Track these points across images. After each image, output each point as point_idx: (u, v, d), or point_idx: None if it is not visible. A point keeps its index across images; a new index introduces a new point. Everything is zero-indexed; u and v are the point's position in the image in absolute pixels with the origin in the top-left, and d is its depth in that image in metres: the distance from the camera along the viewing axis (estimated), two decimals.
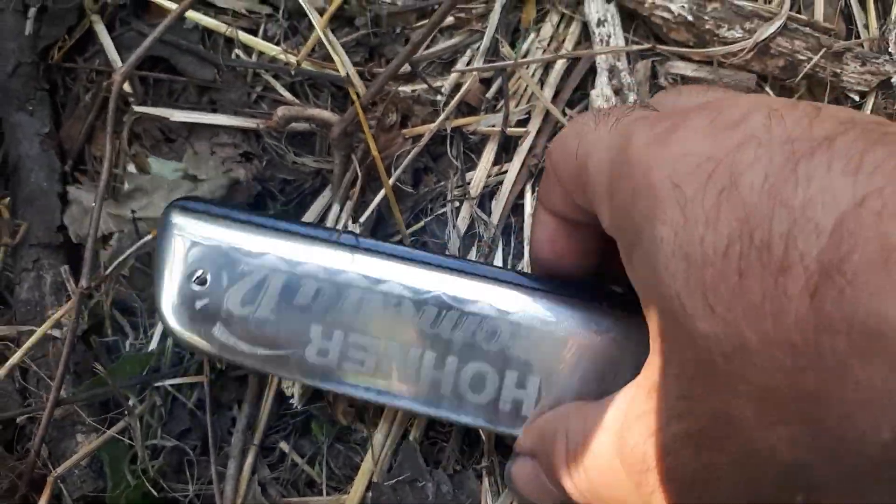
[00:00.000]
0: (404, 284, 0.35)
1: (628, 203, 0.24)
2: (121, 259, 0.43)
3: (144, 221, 0.45)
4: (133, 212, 0.45)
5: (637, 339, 0.31)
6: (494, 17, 0.47)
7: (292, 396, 0.42)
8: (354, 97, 0.41)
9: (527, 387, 0.34)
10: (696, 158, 0.22)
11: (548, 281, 0.35)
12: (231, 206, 0.37)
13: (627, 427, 0.25)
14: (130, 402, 0.42)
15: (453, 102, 0.45)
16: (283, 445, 0.43)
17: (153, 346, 0.43)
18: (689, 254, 0.21)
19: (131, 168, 0.47)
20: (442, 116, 0.45)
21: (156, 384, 0.42)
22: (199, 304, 0.35)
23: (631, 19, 0.47)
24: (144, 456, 0.40)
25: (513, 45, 0.48)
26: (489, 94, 0.47)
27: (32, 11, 0.48)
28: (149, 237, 0.44)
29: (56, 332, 0.43)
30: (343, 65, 0.46)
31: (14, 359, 0.42)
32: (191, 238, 0.35)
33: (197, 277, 0.35)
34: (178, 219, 0.36)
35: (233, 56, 0.47)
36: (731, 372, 0.20)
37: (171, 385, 0.43)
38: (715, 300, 0.20)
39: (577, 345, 0.34)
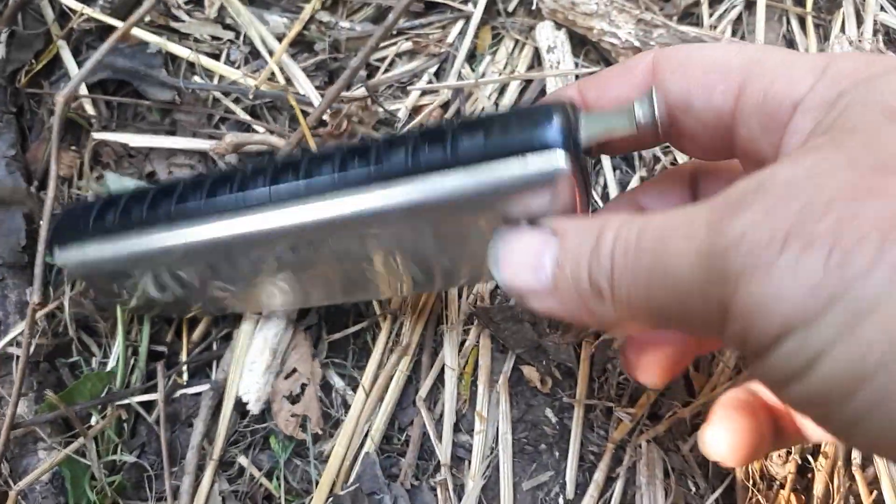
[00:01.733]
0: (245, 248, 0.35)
1: None
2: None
3: None
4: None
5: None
6: (458, 41, 0.49)
7: (248, 402, 0.43)
8: (300, 117, 0.43)
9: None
10: None
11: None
12: (88, 221, 0.37)
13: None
14: (93, 420, 0.43)
15: (414, 122, 0.47)
16: (242, 460, 0.44)
17: (112, 363, 0.44)
18: None
19: (94, 185, 0.48)
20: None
21: (117, 402, 0.43)
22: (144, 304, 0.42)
23: (582, 44, 0.49)
24: (101, 475, 0.41)
25: (470, 69, 0.49)
26: (447, 116, 0.49)
27: (3, 36, 0.49)
28: None
29: (17, 351, 0.44)
30: (303, 88, 0.47)
31: None
32: (81, 269, 0.39)
33: (118, 290, 0.40)
34: (61, 256, 0.38)
35: (195, 80, 0.48)
36: None
37: (138, 402, 0.44)
38: None
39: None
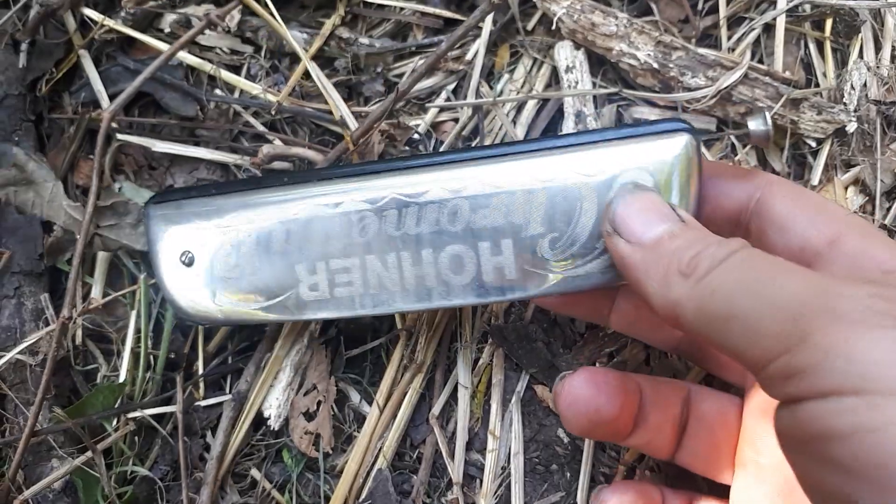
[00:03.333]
0: (359, 199, 0.36)
1: None
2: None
3: (104, 239, 0.46)
4: (97, 226, 0.46)
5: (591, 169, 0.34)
6: (478, 61, 0.49)
7: (269, 417, 0.44)
8: (347, 137, 0.44)
9: (502, 251, 0.35)
10: None
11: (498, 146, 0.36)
12: (199, 188, 0.39)
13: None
14: (108, 430, 0.43)
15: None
16: (255, 472, 0.44)
17: (123, 375, 0.45)
18: None
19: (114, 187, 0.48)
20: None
21: (130, 415, 0.43)
22: (195, 280, 0.38)
23: (600, 64, 0.49)
24: (111, 489, 0.41)
25: (489, 87, 0.50)
26: (465, 133, 0.49)
27: (25, 46, 0.50)
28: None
29: (30, 360, 0.44)
30: (336, 106, 0.47)
31: None
32: (168, 225, 0.38)
33: (183, 257, 0.38)
34: (155, 211, 0.39)
35: (216, 93, 0.49)
36: None
37: (151, 413, 0.44)
38: None
39: (531, 195, 0.34)
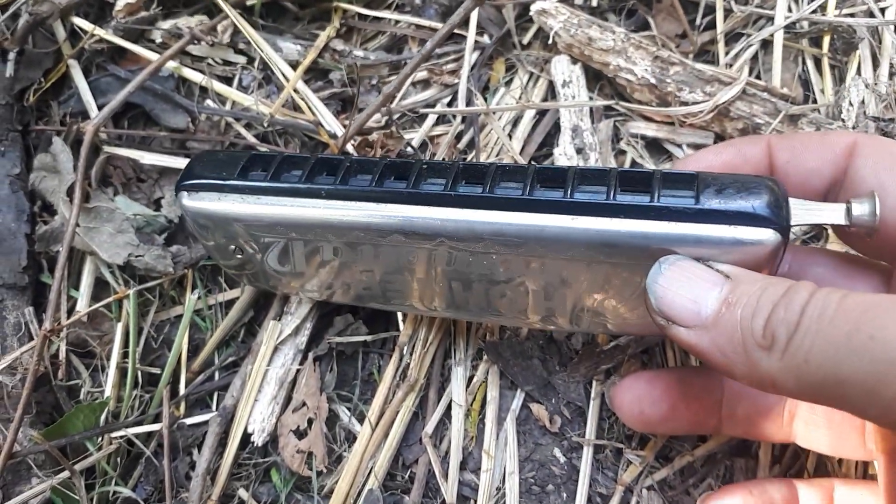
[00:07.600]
0: (407, 234, 0.33)
1: None
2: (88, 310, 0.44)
3: (80, 238, 0.45)
4: (77, 224, 0.44)
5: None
6: (465, 71, 0.49)
7: (253, 433, 0.42)
8: (332, 145, 0.43)
9: (553, 299, 0.34)
10: None
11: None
12: (233, 171, 0.35)
13: None
14: (90, 449, 0.42)
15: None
16: (242, 493, 0.43)
17: (107, 391, 0.43)
18: None
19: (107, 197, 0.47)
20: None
21: (113, 434, 0.42)
22: (249, 270, 0.39)
23: (597, 79, 0.49)
24: None
25: (483, 100, 0.49)
26: (461, 146, 0.48)
27: (13, 55, 0.49)
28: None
29: (8, 380, 0.43)
30: (325, 121, 0.47)
31: None
32: (212, 223, 0.35)
33: (234, 250, 0.37)
34: (192, 202, 0.35)
35: (207, 104, 0.48)
36: None
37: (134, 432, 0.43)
38: None
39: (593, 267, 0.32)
